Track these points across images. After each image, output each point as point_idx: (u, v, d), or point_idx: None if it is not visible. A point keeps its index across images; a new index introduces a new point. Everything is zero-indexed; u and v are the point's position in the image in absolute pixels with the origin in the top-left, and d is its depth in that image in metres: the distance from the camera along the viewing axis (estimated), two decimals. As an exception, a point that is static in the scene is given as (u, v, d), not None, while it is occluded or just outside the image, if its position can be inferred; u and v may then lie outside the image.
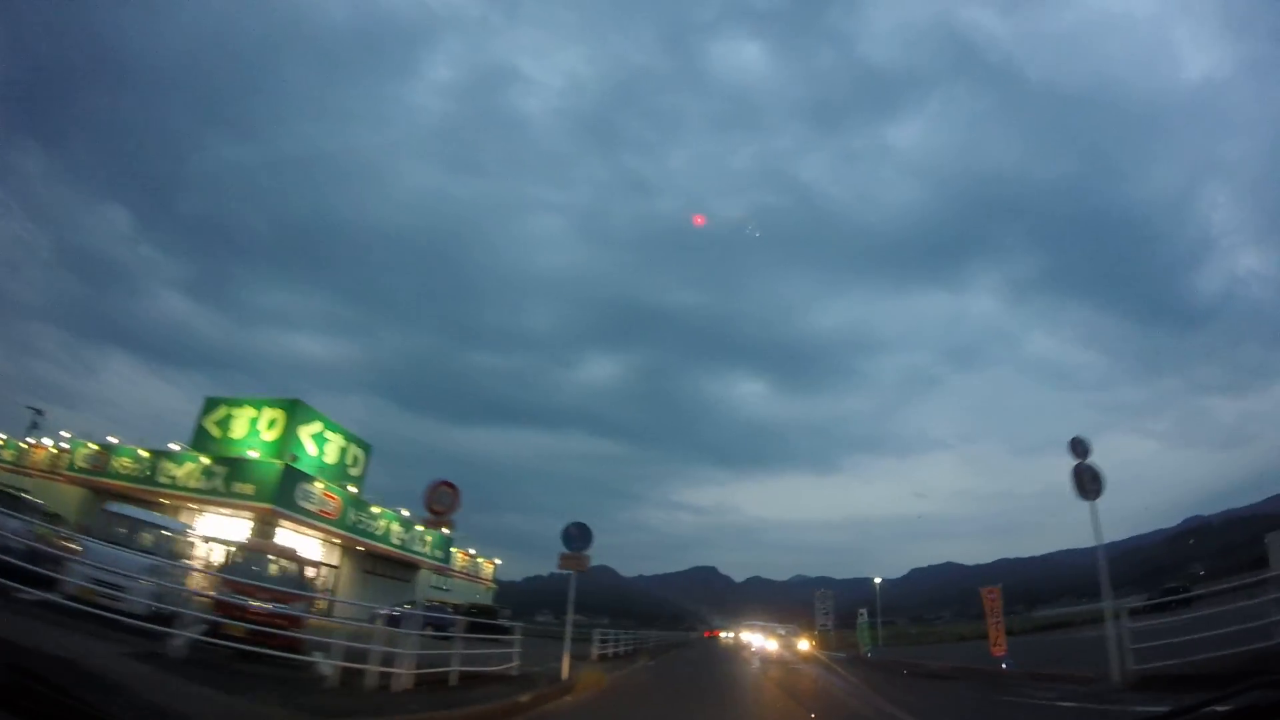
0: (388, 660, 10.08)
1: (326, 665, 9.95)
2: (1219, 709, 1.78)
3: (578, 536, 15.01)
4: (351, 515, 32.13)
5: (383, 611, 23.61)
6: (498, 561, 55.09)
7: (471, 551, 50.47)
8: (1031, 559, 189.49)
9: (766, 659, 29.58)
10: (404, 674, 9.78)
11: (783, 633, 36.67)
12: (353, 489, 32.45)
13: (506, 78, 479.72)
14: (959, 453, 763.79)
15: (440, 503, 11.41)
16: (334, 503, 30.70)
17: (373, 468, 37.17)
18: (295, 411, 32.31)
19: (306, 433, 32.70)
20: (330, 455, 33.72)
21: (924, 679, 18.60)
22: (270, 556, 13.21)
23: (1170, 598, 43.84)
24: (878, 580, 52.10)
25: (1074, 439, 13.27)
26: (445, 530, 36.42)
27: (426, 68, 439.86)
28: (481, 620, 23.63)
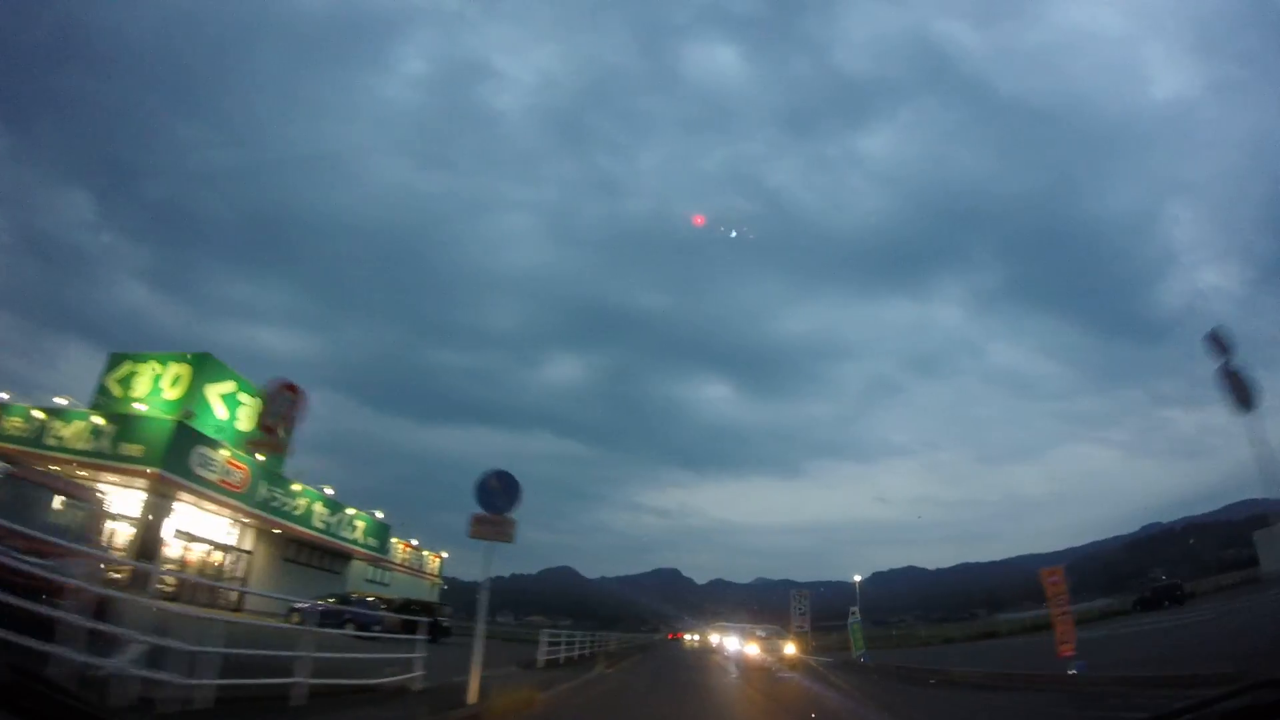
0: (188, 662, 5.68)
1: (98, 662, 5.56)
2: (1219, 709, 1.65)
3: (499, 491, 9.87)
4: (263, 490, 27.02)
5: (300, 605, 19.47)
6: (444, 555, 49.90)
7: (414, 542, 45.28)
8: (992, 564, 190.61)
9: (746, 666, 25.21)
10: (191, 685, 5.38)
11: (763, 635, 32.43)
12: (260, 457, 27.26)
13: (480, 73, 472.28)
14: (921, 459, 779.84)
15: (275, 412, 6.92)
16: (240, 473, 25.60)
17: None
18: (203, 367, 27.35)
19: (215, 392, 27.62)
20: (244, 421, 28.54)
21: (968, 691, 14.39)
22: (50, 494, 8.50)
23: (1164, 598, 42.88)
24: (857, 578, 48.77)
25: (1213, 332, 9.54)
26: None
27: (399, 60, 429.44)
28: (415, 619, 20.14)
